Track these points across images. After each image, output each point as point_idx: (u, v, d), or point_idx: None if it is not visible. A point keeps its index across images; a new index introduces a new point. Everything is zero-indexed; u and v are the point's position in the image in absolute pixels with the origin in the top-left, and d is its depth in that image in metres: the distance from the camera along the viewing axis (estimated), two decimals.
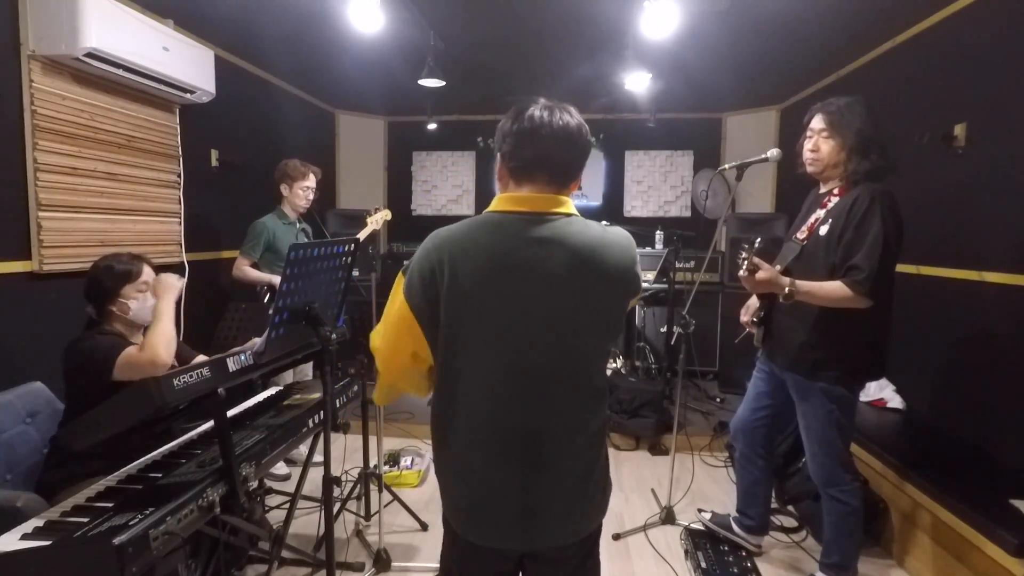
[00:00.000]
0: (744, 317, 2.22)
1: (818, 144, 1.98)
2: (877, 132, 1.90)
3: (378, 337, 1.17)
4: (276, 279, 2.99)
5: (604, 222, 1.25)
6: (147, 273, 1.90)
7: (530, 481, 1.09)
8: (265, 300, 2.97)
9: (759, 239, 1.92)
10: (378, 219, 3.29)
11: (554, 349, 1.06)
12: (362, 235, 3.23)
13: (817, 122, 1.98)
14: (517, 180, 1.12)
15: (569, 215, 1.11)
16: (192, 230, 3.30)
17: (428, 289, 1.07)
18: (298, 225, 3.21)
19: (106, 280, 1.83)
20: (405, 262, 1.14)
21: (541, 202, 1.09)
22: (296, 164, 3.10)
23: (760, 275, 1.88)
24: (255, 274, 3.04)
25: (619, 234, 1.14)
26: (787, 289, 1.86)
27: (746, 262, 1.88)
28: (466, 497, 1.12)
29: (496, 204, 1.11)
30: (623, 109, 5.18)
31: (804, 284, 1.87)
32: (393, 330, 1.13)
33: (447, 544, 1.23)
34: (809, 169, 2.04)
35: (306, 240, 3.20)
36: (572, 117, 1.11)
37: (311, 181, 3.13)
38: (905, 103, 3.15)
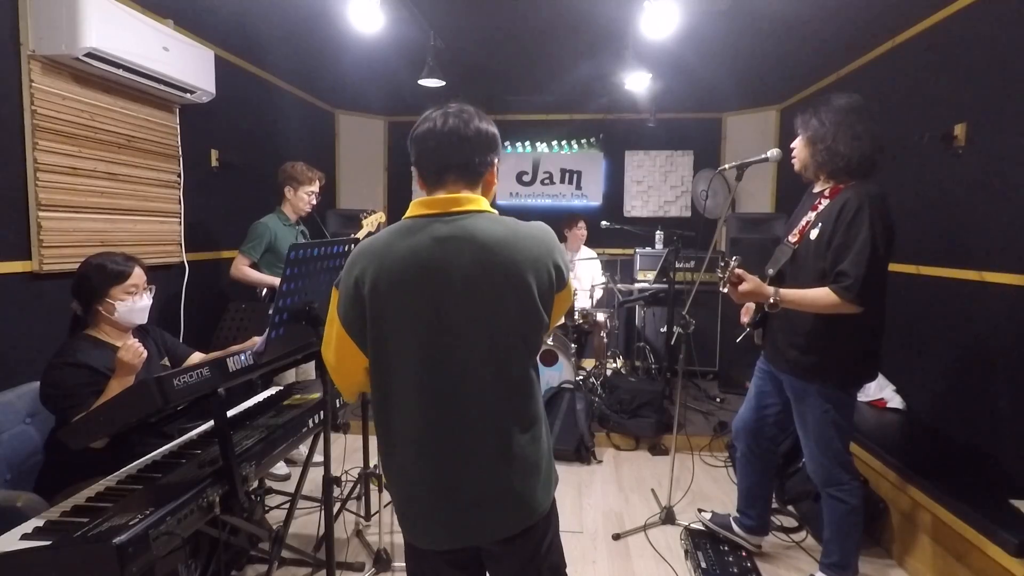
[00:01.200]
0: (744, 319, 2.23)
1: (796, 141, 2.04)
2: (835, 128, 1.88)
3: (328, 351, 1.18)
4: (276, 281, 2.98)
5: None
6: (138, 275, 1.88)
7: (464, 476, 1.11)
8: (241, 306, 2.88)
9: (736, 257, 1.94)
10: (372, 221, 3.30)
11: (472, 344, 1.08)
12: (359, 237, 3.23)
13: (797, 120, 2.03)
14: (429, 185, 1.16)
15: (478, 211, 1.13)
16: (192, 230, 3.30)
17: (356, 302, 1.10)
18: (297, 227, 3.21)
19: (95, 279, 1.81)
20: (339, 276, 1.15)
21: (447, 203, 1.12)
22: (303, 168, 3.10)
23: (743, 287, 1.89)
24: (254, 274, 3.03)
25: (534, 226, 1.16)
26: (772, 299, 1.86)
27: (727, 276, 1.90)
28: (407, 500, 1.15)
29: (410, 210, 1.15)
30: (623, 109, 5.18)
31: (789, 293, 1.87)
32: (335, 348, 1.15)
33: (407, 557, 1.24)
34: (795, 167, 2.08)
35: (304, 241, 3.20)
36: (463, 120, 1.13)
37: (315, 186, 3.14)
38: (905, 103, 3.15)
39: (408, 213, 1.15)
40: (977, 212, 2.61)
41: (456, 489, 1.11)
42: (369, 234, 3.26)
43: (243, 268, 3.02)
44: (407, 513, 1.16)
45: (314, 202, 3.17)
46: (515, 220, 1.15)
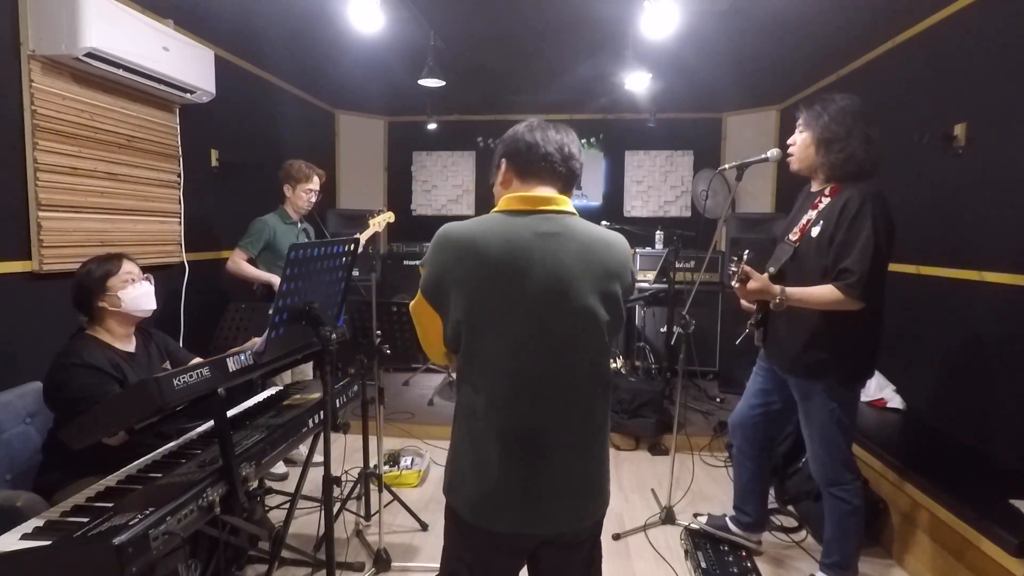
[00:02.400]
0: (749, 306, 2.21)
1: (795, 138, 2.03)
2: (848, 131, 1.88)
3: (417, 325, 1.24)
4: (272, 278, 2.98)
5: (604, 223, 1.30)
6: (128, 265, 1.87)
7: (537, 471, 1.13)
8: (242, 306, 2.86)
9: (748, 251, 1.93)
10: (380, 221, 3.28)
11: (566, 341, 1.12)
12: (364, 236, 3.22)
13: (799, 117, 2.02)
14: (523, 179, 1.21)
15: (571, 213, 1.20)
16: (192, 230, 3.30)
17: (442, 283, 1.13)
18: (299, 225, 3.20)
19: (89, 278, 1.81)
20: (424, 256, 1.20)
21: (547, 200, 1.17)
22: (301, 166, 3.09)
23: (751, 284, 1.89)
24: (250, 269, 3.02)
25: (617, 234, 1.24)
26: (778, 297, 1.86)
27: (737, 273, 1.89)
28: (480, 486, 1.15)
29: (505, 204, 1.19)
30: (623, 109, 5.18)
31: (795, 291, 1.87)
32: (419, 320, 1.21)
33: (453, 538, 1.24)
34: (793, 167, 2.07)
35: (307, 240, 3.20)
36: (574, 138, 1.24)
37: (315, 184, 3.13)
38: (905, 103, 3.15)
39: (502, 207, 1.19)
40: (977, 212, 2.61)
41: (532, 483, 1.13)
42: (376, 235, 3.26)
43: (239, 262, 3.01)
44: (474, 495, 1.15)
45: (314, 200, 3.16)
46: (600, 227, 1.22)
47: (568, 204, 1.20)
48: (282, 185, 3.11)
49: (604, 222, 4.25)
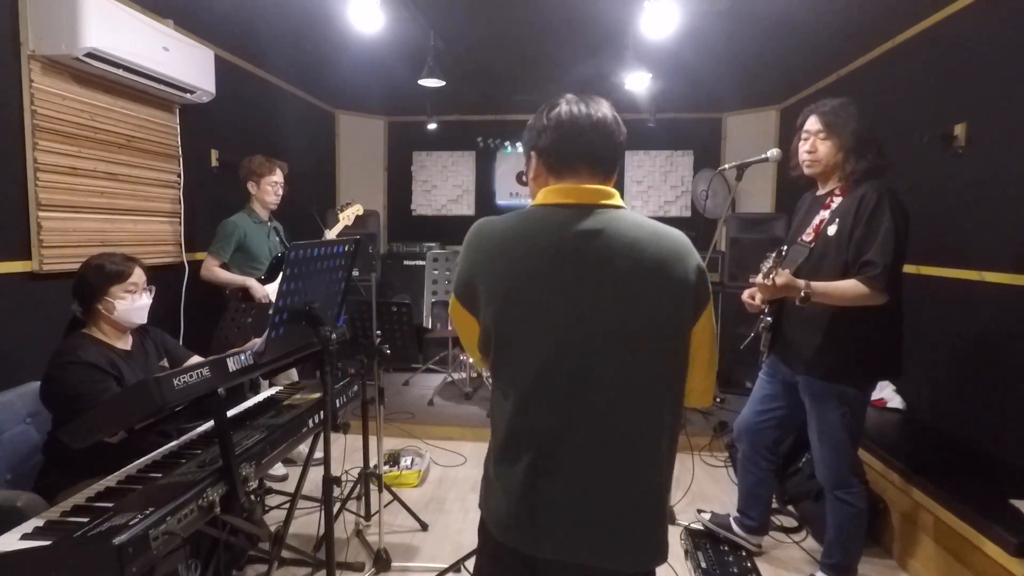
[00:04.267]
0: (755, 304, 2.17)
1: (815, 145, 1.98)
2: (871, 131, 1.92)
3: (456, 326, 1.16)
4: (248, 281, 2.91)
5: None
6: (138, 275, 1.88)
7: (565, 496, 1.00)
8: (242, 306, 2.84)
9: (785, 247, 1.90)
10: (349, 214, 3.28)
11: (611, 345, 0.98)
12: (334, 231, 3.23)
13: (812, 123, 1.98)
14: (558, 175, 1.06)
15: (619, 207, 1.05)
16: (192, 230, 3.30)
17: (473, 285, 1.05)
18: (270, 224, 3.11)
19: (95, 278, 1.81)
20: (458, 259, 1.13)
21: (590, 194, 1.04)
22: (261, 160, 3.02)
23: (779, 280, 1.84)
24: (225, 275, 2.93)
25: (676, 231, 1.06)
26: (803, 292, 1.84)
27: (772, 271, 1.83)
28: (511, 500, 1.03)
29: (542, 197, 1.06)
30: (623, 109, 5.04)
31: (819, 285, 1.84)
32: (456, 321, 1.13)
33: (484, 555, 1.14)
34: (807, 171, 2.04)
35: (279, 239, 3.14)
36: (608, 110, 1.07)
37: (278, 176, 3.05)
38: (905, 103, 3.15)
39: (540, 201, 1.06)
40: (977, 212, 2.61)
41: (570, 501, 0.99)
42: (346, 228, 3.25)
43: (213, 269, 2.92)
44: (509, 509, 1.03)
45: (279, 192, 3.07)
46: (655, 222, 1.05)
47: (614, 197, 1.05)
48: (245, 183, 3.02)
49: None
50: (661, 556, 1.04)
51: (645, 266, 0.99)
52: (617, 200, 1.06)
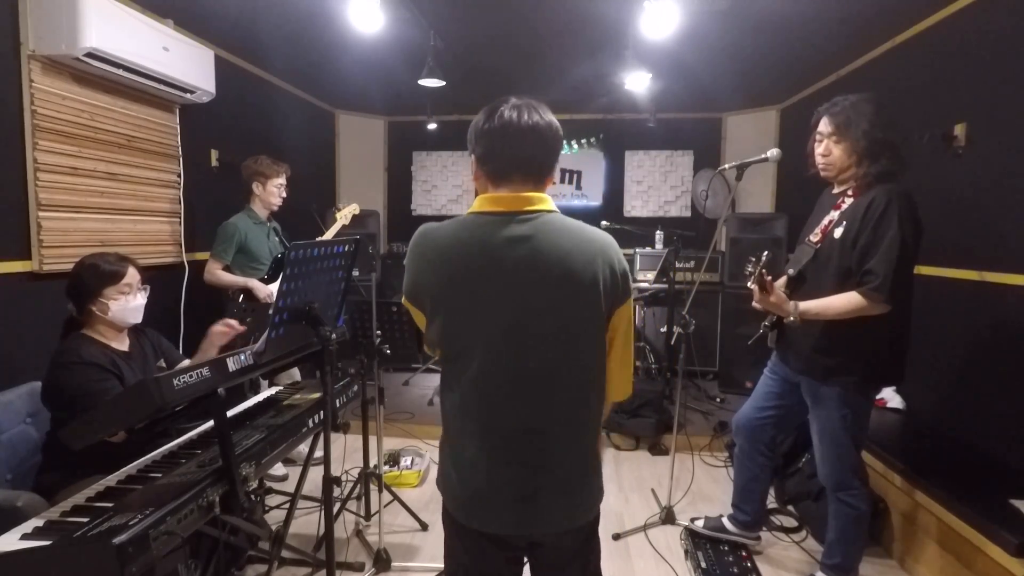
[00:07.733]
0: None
1: (829, 148, 1.95)
2: (887, 132, 1.86)
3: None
4: (250, 282, 2.92)
5: (604, 223, 1.26)
6: (131, 275, 1.87)
7: (528, 474, 1.13)
8: (242, 305, 2.85)
9: (767, 252, 1.90)
10: (347, 214, 3.29)
11: (540, 343, 1.09)
12: (331, 232, 3.24)
13: (824, 125, 1.95)
14: (494, 182, 1.14)
15: (549, 211, 1.12)
16: (192, 230, 3.30)
17: (418, 288, 1.14)
18: (269, 224, 3.11)
19: (89, 279, 1.80)
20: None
21: (518, 201, 1.11)
22: (268, 161, 3.02)
23: (771, 299, 1.86)
24: (228, 277, 2.94)
25: (597, 230, 1.15)
26: (791, 316, 1.84)
27: (754, 275, 1.85)
28: (466, 486, 1.15)
29: (476, 205, 1.14)
30: (623, 109, 5.18)
31: (811, 305, 1.84)
32: (412, 315, 1.21)
33: (450, 538, 1.25)
34: (823, 174, 2.01)
35: (278, 239, 3.15)
36: (541, 116, 1.12)
37: (283, 178, 3.07)
38: (905, 103, 3.14)
39: (474, 209, 1.14)
40: (977, 212, 2.61)
41: (523, 485, 1.12)
42: (343, 228, 3.26)
43: (216, 272, 2.93)
44: (463, 496, 1.16)
45: (284, 195, 3.09)
46: (581, 224, 1.13)
47: (545, 202, 1.12)
48: (250, 183, 3.02)
49: (604, 222, 4.25)
50: (595, 505, 1.21)
51: (569, 268, 1.07)
52: (546, 205, 1.12)
